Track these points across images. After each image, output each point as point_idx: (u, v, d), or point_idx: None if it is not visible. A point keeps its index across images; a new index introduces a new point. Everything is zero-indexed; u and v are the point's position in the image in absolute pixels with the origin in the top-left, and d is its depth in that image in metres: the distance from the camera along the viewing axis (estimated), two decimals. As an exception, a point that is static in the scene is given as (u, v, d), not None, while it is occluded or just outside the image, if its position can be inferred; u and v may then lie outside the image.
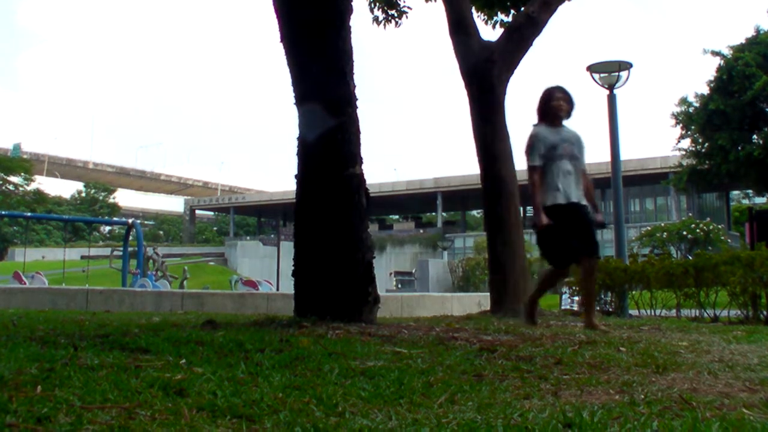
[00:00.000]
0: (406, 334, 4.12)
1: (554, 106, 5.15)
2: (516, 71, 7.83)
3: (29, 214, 35.31)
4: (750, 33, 29.93)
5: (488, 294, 7.72)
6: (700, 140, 30.21)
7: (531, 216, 5.25)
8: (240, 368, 2.47)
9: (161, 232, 76.68)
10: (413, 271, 36.37)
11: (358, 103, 5.09)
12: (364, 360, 2.82)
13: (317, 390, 2.10)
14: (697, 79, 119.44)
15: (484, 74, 7.60)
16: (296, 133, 5.11)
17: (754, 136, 29.05)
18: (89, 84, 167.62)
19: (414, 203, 58.29)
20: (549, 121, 5.16)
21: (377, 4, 9.89)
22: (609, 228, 8.20)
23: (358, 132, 5.04)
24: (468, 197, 49.65)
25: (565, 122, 5.22)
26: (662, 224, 34.61)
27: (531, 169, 5.09)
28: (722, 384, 2.46)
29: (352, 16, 5.13)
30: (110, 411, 1.74)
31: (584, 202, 5.05)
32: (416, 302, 11.26)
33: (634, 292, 8.85)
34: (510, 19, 9.69)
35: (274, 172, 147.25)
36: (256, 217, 69.78)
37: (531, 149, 5.11)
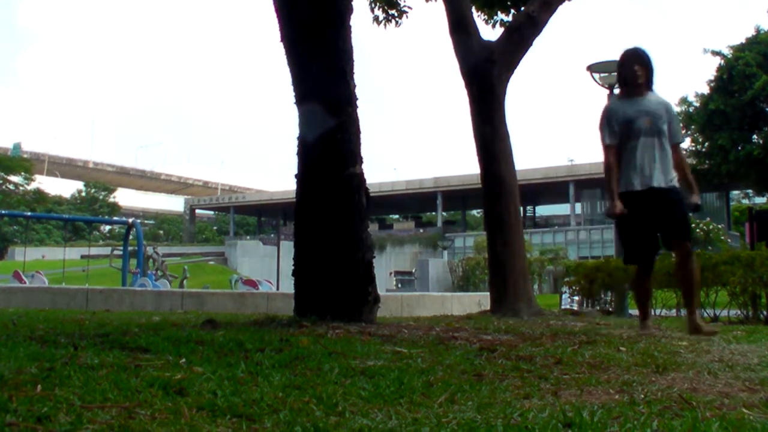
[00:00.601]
0: (406, 333, 4.12)
1: (627, 74, 4.47)
2: (516, 71, 7.84)
3: (29, 213, 35.30)
4: (750, 33, 29.97)
5: (488, 294, 7.72)
6: (700, 140, 30.24)
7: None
8: (240, 368, 2.47)
9: (161, 232, 76.70)
10: (413, 270, 36.33)
11: (358, 102, 5.09)
12: (364, 359, 2.82)
13: (317, 389, 2.10)
14: (697, 78, 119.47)
15: (484, 74, 7.59)
16: (296, 132, 5.11)
17: (754, 136, 29.07)
18: (89, 84, 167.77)
19: (414, 203, 58.32)
20: (627, 91, 4.50)
21: (377, 3, 9.88)
22: (609, 225, 7.89)
23: (358, 131, 5.04)
24: (468, 197, 49.68)
25: (650, 90, 4.50)
26: (662, 224, 34.54)
27: (604, 148, 4.51)
28: (722, 384, 2.46)
29: (352, 16, 5.14)
30: (110, 410, 1.74)
31: (672, 183, 4.37)
32: (416, 302, 11.26)
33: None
34: (510, 18, 9.69)
35: (274, 171, 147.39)
36: (256, 216, 69.80)
37: (601, 126, 4.53)
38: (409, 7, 9.95)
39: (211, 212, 76.62)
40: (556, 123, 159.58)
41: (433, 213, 56.32)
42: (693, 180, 4.52)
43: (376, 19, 9.89)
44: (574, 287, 9.84)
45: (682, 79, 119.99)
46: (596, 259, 11.13)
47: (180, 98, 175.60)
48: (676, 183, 4.39)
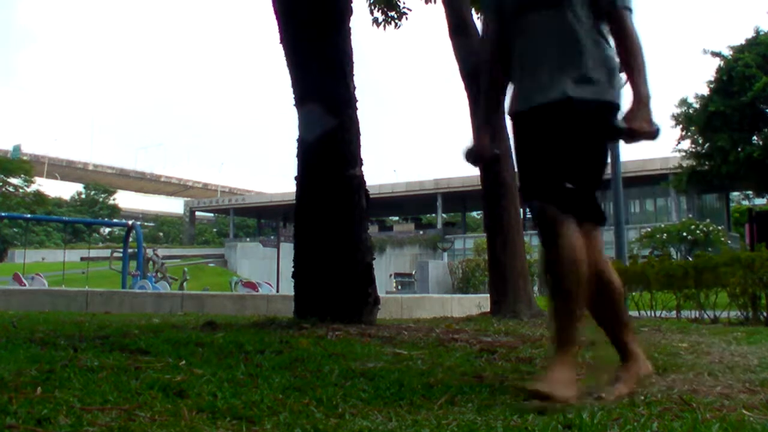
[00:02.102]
0: (406, 335, 4.12)
1: None
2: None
3: (29, 215, 35.30)
4: (750, 34, 29.97)
5: (488, 295, 7.72)
6: (700, 141, 30.23)
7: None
8: (240, 369, 2.47)
9: (161, 234, 76.71)
10: (413, 272, 36.34)
11: (358, 104, 5.10)
12: (364, 361, 2.82)
13: (317, 391, 2.10)
14: (697, 79, 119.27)
15: (484, 75, 7.59)
16: (296, 134, 5.12)
17: (754, 138, 29.07)
18: (89, 84, 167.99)
19: (414, 204, 58.29)
20: None
21: (377, 5, 9.89)
22: (609, 227, 7.05)
23: (358, 133, 5.04)
24: (468, 198, 49.65)
25: None
26: (662, 225, 34.60)
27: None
28: (722, 385, 2.46)
29: (352, 18, 5.15)
30: (110, 412, 1.74)
31: (581, 93, 2.19)
32: (416, 304, 11.25)
33: (634, 294, 8.85)
34: (510, 20, 9.68)
35: (274, 173, 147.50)
36: (255, 218, 69.78)
37: None
38: (409, 9, 9.98)
39: (211, 214, 76.60)
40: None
41: (433, 215, 56.31)
42: (641, 79, 2.21)
43: (375, 20, 9.90)
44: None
45: (681, 80, 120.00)
46: (596, 261, 11.12)
47: (180, 99, 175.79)
48: (595, 91, 2.20)
